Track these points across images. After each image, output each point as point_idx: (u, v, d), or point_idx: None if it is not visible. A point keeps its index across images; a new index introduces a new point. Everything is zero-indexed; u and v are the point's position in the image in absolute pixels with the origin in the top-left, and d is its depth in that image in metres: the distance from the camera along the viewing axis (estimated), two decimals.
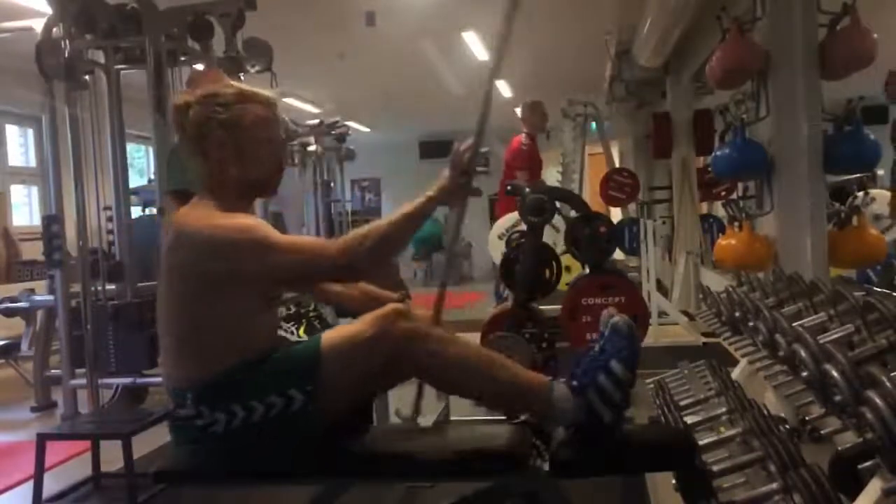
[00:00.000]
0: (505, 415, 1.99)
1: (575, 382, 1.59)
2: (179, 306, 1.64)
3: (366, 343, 1.60)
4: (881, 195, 4.72)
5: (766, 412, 1.82)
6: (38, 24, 4.12)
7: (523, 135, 5.68)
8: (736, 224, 3.45)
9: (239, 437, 1.58)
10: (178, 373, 1.65)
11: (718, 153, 3.49)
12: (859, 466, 1.34)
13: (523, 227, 3.68)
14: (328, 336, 1.64)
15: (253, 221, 1.64)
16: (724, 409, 1.91)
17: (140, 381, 4.02)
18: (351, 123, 9.87)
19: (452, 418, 3.19)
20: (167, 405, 1.72)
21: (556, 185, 7.04)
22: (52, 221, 4.13)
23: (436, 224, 10.42)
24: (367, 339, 1.60)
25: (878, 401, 1.22)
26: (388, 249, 1.67)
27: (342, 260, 1.59)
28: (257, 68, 4.83)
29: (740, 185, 4.14)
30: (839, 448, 1.49)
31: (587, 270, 3.69)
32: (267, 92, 1.77)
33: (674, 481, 1.69)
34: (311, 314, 3.92)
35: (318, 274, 1.70)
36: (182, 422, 1.63)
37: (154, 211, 4.67)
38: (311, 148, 8.46)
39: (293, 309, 3.92)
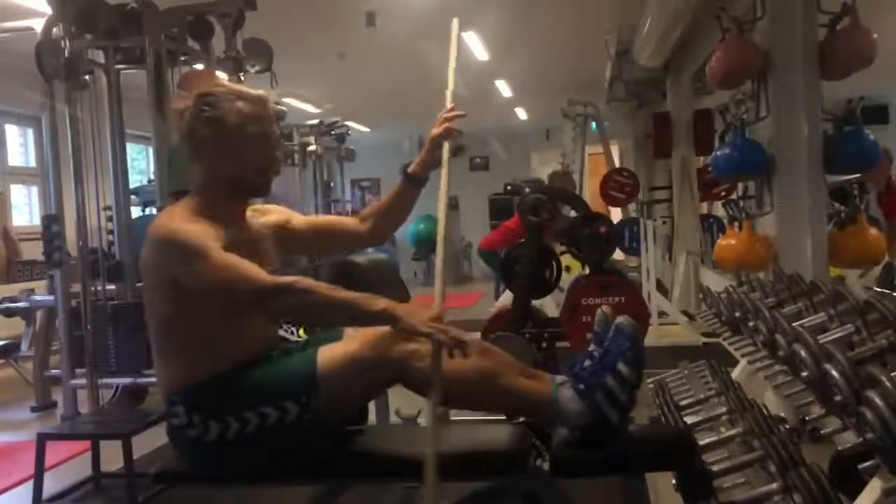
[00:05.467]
0: (506, 415, 1.98)
1: (581, 385, 1.57)
2: (158, 309, 1.63)
3: (364, 365, 1.59)
4: None
5: (766, 412, 1.81)
6: (38, 24, 4.12)
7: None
8: (736, 224, 3.46)
9: (233, 446, 1.58)
10: (165, 378, 1.64)
11: (718, 153, 3.49)
12: (859, 466, 1.34)
13: None
14: (326, 354, 1.61)
15: (194, 228, 1.56)
16: (724, 409, 1.91)
17: (140, 381, 4.01)
18: (351, 123, 9.86)
19: (452, 418, 3.19)
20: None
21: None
22: (52, 221, 4.12)
23: (435, 223, 10.40)
24: (365, 360, 1.59)
25: (878, 401, 1.22)
26: (307, 318, 1.84)
27: (265, 298, 1.55)
28: (257, 68, 4.82)
29: (740, 185, 4.14)
30: (839, 448, 1.49)
31: (587, 270, 3.69)
32: (257, 90, 1.74)
33: (674, 481, 1.69)
34: None
35: (238, 297, 1.56)
36: (177, 430, 1.62)
37: (154, 211, 4.67)
38: (311, 148, 8.45)
39: None
